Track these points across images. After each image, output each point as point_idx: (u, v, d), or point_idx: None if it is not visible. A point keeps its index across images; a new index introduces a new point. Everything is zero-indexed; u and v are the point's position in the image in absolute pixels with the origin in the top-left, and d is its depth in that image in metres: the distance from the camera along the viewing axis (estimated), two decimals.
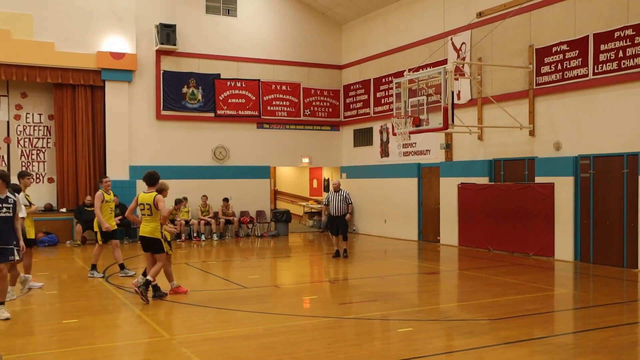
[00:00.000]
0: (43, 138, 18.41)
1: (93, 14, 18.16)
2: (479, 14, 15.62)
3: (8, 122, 17.96)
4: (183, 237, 18.63)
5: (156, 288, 9.66)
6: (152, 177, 9.73)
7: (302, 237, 20.26)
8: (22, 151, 18.05)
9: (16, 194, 8.59)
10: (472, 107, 16.32)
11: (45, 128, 18.43)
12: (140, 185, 18.25)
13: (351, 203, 14.78)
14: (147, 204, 9.59)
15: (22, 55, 17.14)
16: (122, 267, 11.84)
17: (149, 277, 9.43)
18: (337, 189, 14.71)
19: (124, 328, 8.28)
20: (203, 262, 14.55)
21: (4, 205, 8.11)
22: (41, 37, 17.46)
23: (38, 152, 18.31)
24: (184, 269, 13.71)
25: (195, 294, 10.25)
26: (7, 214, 8.15)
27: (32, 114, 18.30)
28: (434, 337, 7.50)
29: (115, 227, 11.93)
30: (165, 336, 7.46)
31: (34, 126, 18.31)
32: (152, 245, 9.67)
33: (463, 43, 16.47)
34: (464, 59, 16.17)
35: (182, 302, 9.43)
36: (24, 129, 18.17)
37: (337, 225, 14.60)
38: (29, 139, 18.23)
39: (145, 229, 9.64)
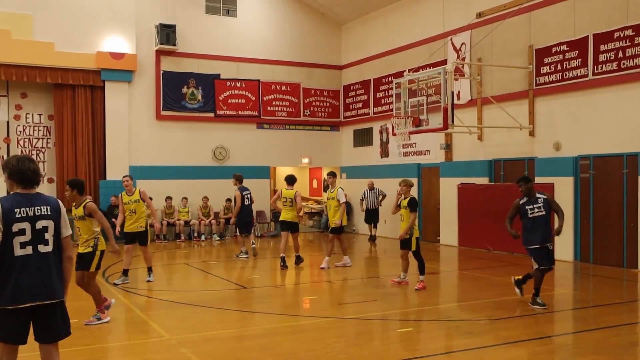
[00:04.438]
0: (43, 138, 18.41)
1: (93, 14, 18.14)
2: (479, 14, 15.62)
3: (8, 122, 17.94)
4: (183, 237, 18.61)
5: (299, 258, 13.19)
6: (292, 179, 13.07)
7: (302, 237, 20.20)
8: (21, 151, 18.01)
9: None
10: (472, 108, 16.33)
11: (45, 128, 18.43)
12: (141, 184, 18.21)
13: (385, 195, 18.07)
14: (289, 198, 12.79)
15: (21, 55, 17.12)
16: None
17: (298, 254, 13.24)
18: (372, 187, 18.25)
19: (124, 328, 8.28)
20: (203, 262, 14.54)
21: None
22: (41, 37, 17.44)
23: (38, 152, 18.29)
24: (184, 269, 13.72)
25: (195, 294, 10.27)
26: None
27: (32, 114, 18.29)
28: (433, 337, 7.51)
29: (139, 229, 11.06)
30: (165, 336, 7.47)
31: (34, 126, 18.30)
32: (292, 227, 12.94)
33: (463, 43, 16.47)
34: (463, 59, 16.17)
35: (182, 302, 9.43)
36: (24, 129, 18.17)
37: (370, 216, 18.20)
38: (29, 139, 18.22)
39: (287, 215, 12.84)
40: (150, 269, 11.35)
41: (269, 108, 20.82)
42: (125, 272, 11.08)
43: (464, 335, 7.53)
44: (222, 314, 8.78)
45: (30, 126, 18.25)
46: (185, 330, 7.77)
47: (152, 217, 12.19)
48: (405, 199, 10.50)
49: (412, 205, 10.35)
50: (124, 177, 11.32)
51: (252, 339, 7.51)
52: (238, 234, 14.94)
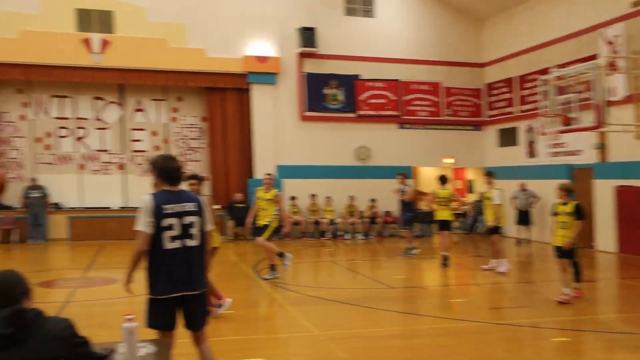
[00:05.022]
0: (197, 139, 19.59)
1: (240, 20, 19.00)
2: (635, 4, 14.52)
3: (167, 124, 19.33)
4: (328, 236, 18.89)
5: (446, 258, 12.95)
6: (446, 178, 13.59)
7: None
8: (178, 152, 19.28)
9: None
10: (628, 105, 15.19)
11: (199, 129, 19.61)
12: (287, 183, 18.93)
13: (538, 198, 17.85)
14: (445, 197, 13.29)
15: (177, 62, 18.34)
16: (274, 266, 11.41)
17: (445, 253, 13.09)
18: (523, 188, 18.02)
19: (274, 322, 8.59)
20: (349, 261, 14.75)
21: None
22: (193, 44, 18.56)
23: (192, 152, 19.51)
24: (330, 266, 13.98)
25: (343, 291, 10.41)
26: None
27: (187, 117, 19.53)
28: (593, 350, 7.09)
29: (265, 223, 11.11)
30: (314, 332, 7.63)
31: (189, 128, 19.54)
32: (447, 225, 13.38)
33: (616, 36, 15.37)
34: (617, 52, 15.09)
35: (330, 299, 9.62)
36: (180, 131, 19.46)
37: (521, 218, 17.92)
38: (184, 139, 19.48)
39: (444, 214, 13.28)
40: (272, 266, 11.19)
41: (409, 108, 20.71)
42: (272, 267, 11.25)
43: (628, 349, 7.01)
44: (369, 312, 8.84)
45: (185, 128, 19.51)
46: (333, 326, 7.92)
47: (282, 220, 11.79)
48: (564, 204, 9.76)
49: (579, 212, 9.34)
50: (266, 174, 11.64)
51: (400, 339, 7.49)
52: (404, 228, 15.37)
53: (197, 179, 8.28)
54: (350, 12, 20.26)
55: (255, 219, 11.31)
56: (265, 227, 11.11)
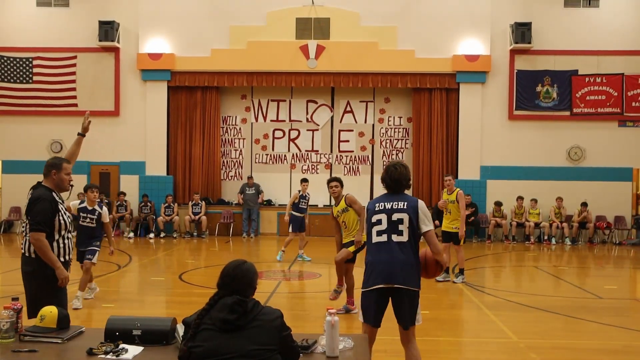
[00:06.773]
0: (402, 139, 19.89)
1: (450, 20, 18.85)
2: None
3: (373, 125, 19.92)
4: (532, 240, 18.09)
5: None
6: None
7: None
8: (383, 151, 19.74)
9: None
10: None
11: (404, 130, 19.89)
12: (491, 184, 18.51)
13: None
14: None
15: (386, 63, 18.80)
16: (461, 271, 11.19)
17: None
18: None
19: (473, 325, 8.48)
20: (554, 267, 14.00)
21: None
22: (403, 46, 18.86)
23: (397, 152, 19.86)
24: (532, 272, 13.41)
25: (544, 298, 9.95)
26: None
27: (394, 117, 19.91)
28: None
29: (453, 230, 10.92)
30: (513, 338, 7.44)
31: (395, 128, 19.90)
32: None
33: None
34: None
35: (530, 305, 9.26)
36: (386, 131, 19.89)
37: None
38: (390, 140, 19.90)
39: None
40: (461, 271, 10.96)
41: (634, 104, 18.89)
42: (461, 271, 11.06)
43: None
44: (574, 323, 8.34)
45: (391, 128, 19.90)
46: (533, 334, 7.63)
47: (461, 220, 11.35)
48: None
49: None
50: (445, 177, 11.43)
51: (607, 354, 6.97)
52: None
53: (338, 181, 8.56)
54: (570, 3, 19.04)
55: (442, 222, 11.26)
56: (456, 234, 10.89)
